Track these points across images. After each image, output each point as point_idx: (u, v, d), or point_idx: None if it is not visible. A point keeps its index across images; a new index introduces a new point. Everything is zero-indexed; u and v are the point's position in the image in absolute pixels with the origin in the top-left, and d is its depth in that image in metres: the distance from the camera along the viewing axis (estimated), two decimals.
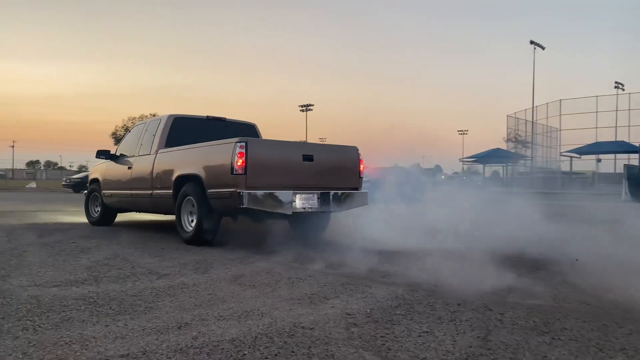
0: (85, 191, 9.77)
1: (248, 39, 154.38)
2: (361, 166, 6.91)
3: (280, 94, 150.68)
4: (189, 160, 6.71)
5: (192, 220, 6.53)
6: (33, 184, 46.34)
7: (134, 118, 52.98)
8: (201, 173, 6.29)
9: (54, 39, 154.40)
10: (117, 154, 8.74)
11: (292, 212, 6.09)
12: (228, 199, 5.85)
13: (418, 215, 11.04)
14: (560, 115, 46.07)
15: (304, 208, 6.19)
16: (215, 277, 4.43)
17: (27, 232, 7.86)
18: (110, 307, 3.36)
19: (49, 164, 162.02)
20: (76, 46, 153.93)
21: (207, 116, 7.99)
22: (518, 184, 37.74)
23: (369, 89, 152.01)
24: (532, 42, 43.68)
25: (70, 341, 2.68)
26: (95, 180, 9.28)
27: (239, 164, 5.74)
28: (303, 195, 6.16)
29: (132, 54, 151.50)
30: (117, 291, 3.83)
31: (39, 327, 2.93)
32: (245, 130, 8.09)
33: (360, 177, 6.94)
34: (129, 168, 8.13)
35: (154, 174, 7.38)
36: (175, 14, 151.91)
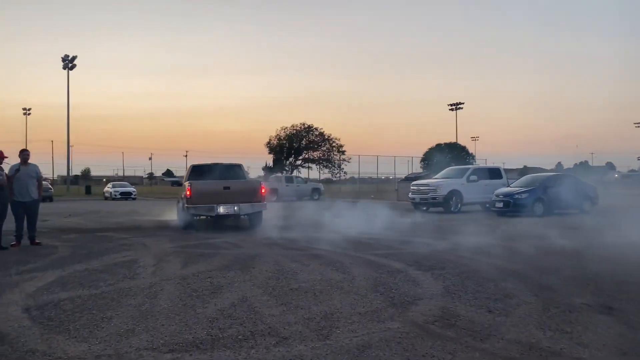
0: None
1: (395, 39, 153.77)
2: (262, 189, 12.76)
3: (429, 93, 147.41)
4: (183, 189, 12.65)
5: None
6: None
7: (286, 127, 55.61)
8: (184, 196, 12.41)
9: (213, 56, 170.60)
10: (184, 182, 13.92)
11: (217, 215, 12.20)
12: (187, 209, 12.13)
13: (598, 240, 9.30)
14: None
15: (227, 212, 12.21)
16: (338, 346, 3.82)
17: (175, 258, 8.15)
18: None
19: None
20: (241, 61, 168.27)
21: (213, 162, 13.71)
22: None
23: (527, 80, 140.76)
24: None
25: None
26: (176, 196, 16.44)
27: (188, 193, 12.01)
28: (225, 206, 12.10)
29: (288, 64, 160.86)
30: None
31: None
32: (234, 168, 13.89)
33: (262, 195, 12.69)
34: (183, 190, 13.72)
35: (183, 195, 12.81)
36: (325, 23, 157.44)
